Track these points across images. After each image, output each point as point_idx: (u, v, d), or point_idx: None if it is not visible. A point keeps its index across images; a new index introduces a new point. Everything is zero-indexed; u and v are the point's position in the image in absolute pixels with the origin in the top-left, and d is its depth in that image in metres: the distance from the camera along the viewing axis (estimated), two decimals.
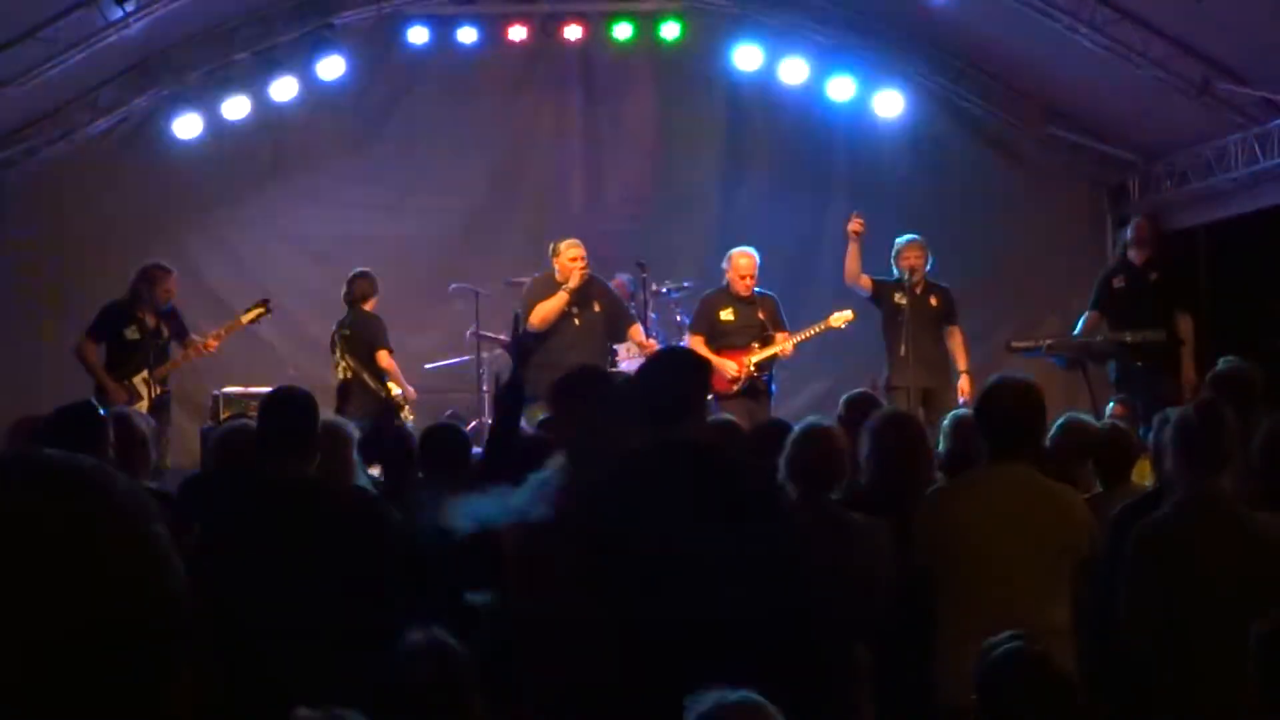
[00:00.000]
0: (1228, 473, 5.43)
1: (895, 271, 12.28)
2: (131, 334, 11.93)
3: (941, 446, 8.21)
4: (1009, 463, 5.75)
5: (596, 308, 12.13)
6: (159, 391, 11.94)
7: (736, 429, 7.97)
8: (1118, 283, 12.80)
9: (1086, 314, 12.81)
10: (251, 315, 12.40)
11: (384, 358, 12.38)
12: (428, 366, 13.49)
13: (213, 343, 12.14)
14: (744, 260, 12.27)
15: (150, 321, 12.03)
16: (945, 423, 8.33)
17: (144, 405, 11.52)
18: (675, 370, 5.55)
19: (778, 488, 5.75)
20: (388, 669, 4.30)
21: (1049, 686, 4.01)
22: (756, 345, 12.20)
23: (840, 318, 12.45)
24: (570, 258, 12.00)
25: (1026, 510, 5.66)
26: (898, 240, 12.37)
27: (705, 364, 6.04)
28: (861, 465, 6.53)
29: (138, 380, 11.86)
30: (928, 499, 5.91)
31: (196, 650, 1.64)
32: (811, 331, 12.46)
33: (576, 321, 11.99)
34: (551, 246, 12.19)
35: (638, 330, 12.33)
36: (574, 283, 11.90)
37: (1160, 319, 12.32)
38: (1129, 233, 13.09)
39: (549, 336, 11.85)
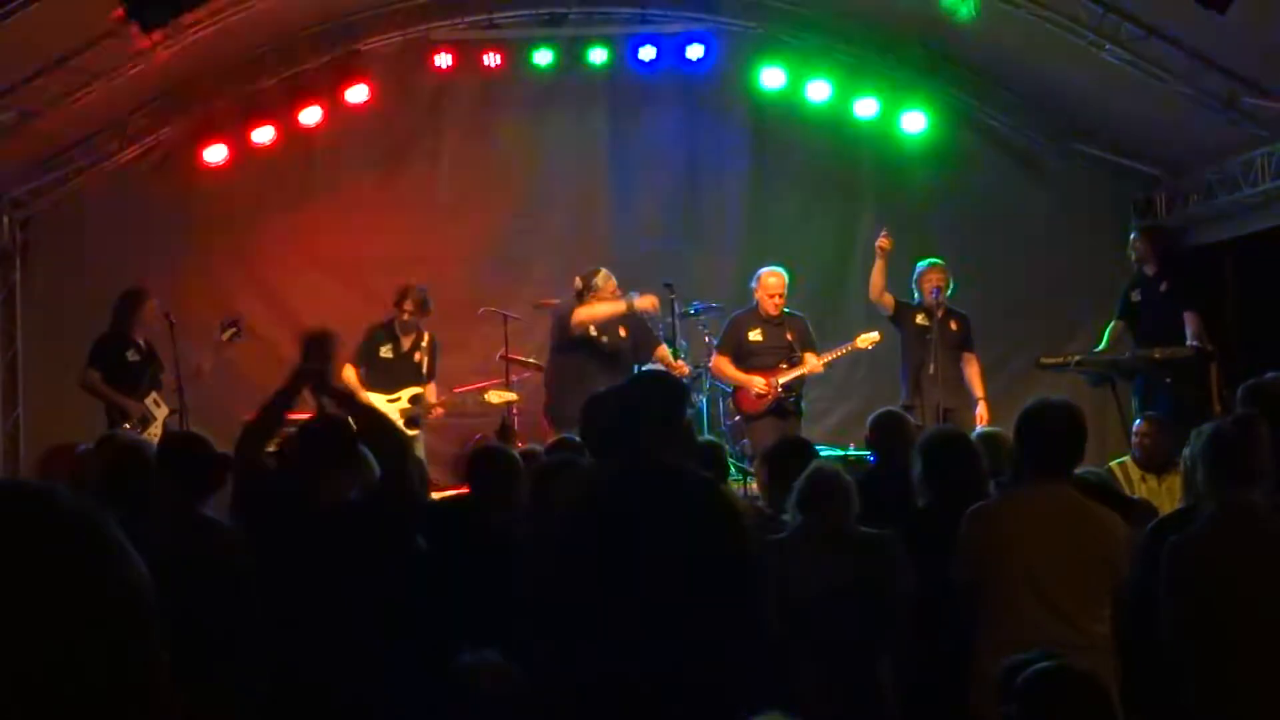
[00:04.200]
0: (1261, 486, 5.43)
1: (917, 295, 12.32)
2: (132, 356, 12.02)
3: None
4: (1052, 482, 5.76)
5: (623, 333, 12.18)
6: (169, 412, 12.01)
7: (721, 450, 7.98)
8: (1135, 296, 12.83)
9: (1112, 323, 12.81)
10: (227, 335, 12.44)
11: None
12: (456, 390, 13.50)
13: (206, 367, 12.20)
14: (772, 280, 12.32)
15: (143, 344, 12.13)
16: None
17: (158, 428, 11.62)
18: (647, 395, 5.51)
19: (736, 511, 5.69)
20: (444, 688, 4.34)
21: (1089, 703, 4.01)
22: (784, 365, 12.23)
23: (867, 339, 12.49)
24: (611, 290, 12.10)
25: (1069, 529, 5.68)
26: (919, 265, 12.41)
27: (678, 388, 5.97)
28: (916, 486, 6.58)
29: (149, 401, 11.93)
30: (971, 516, 5.94)
31: (165, 658, 1.71)
32: (839, 353, 12.51)
33: (605, 341, 12.04)
34: (587, 281, 12.20)
35: (664, 351, 12.37)
36: (642, 304, 12.02)
37: (1171, 330, 12.30)
38: (1131, 251, 13.08)
39: (576, 358, 11.92)
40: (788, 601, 5.81)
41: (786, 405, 12.24)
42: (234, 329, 12.42)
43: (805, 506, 6.11)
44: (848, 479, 6.23)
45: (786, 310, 12.43)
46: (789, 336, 12.31)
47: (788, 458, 6.91)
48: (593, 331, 12.06)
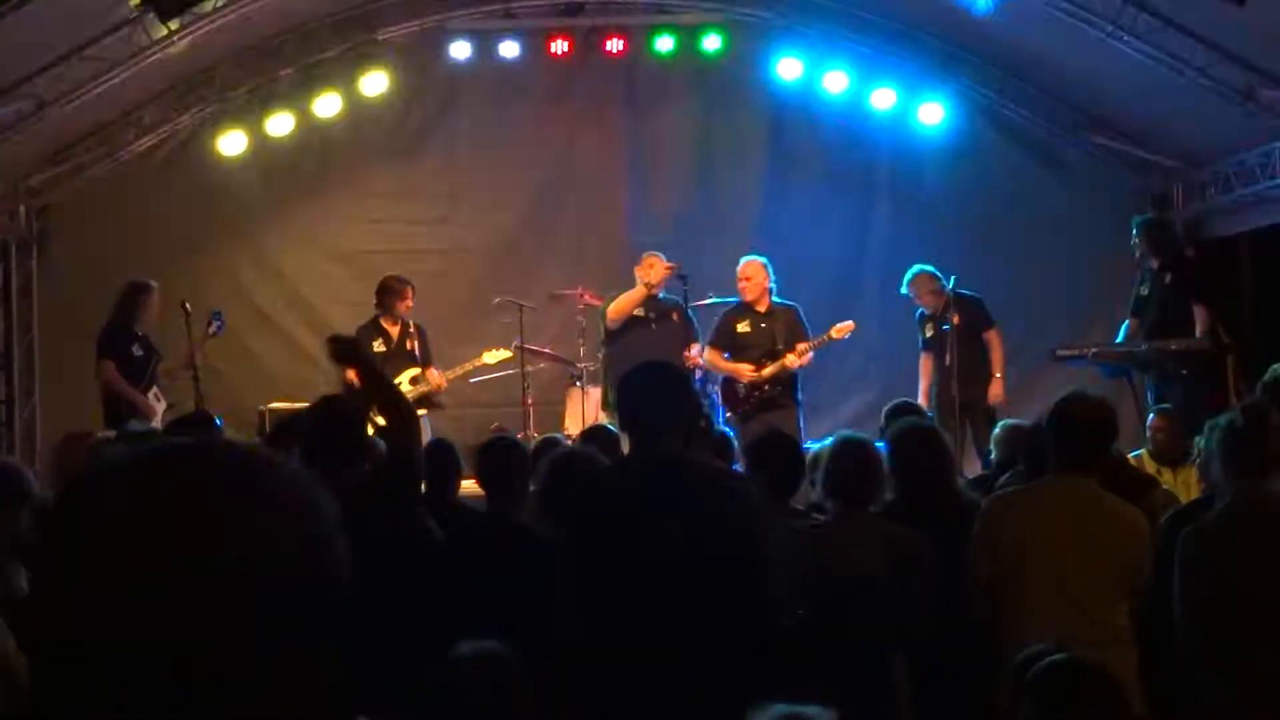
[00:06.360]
0: (1275, 476, 5.40)
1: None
2: (137, 351, 12.09)
3: (993, 454, 8.23)
4: (1076, 476, 5.73)
5: (674, 317, 12.29)
6: (167, 406, 12.05)
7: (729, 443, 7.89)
8: (1143, 290, 12.74)
9: (1128, 320, 12.77)
10: (212, 329, 12.43)
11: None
12: (472, 380, 13.50)
13: (199, 357, 12.22)
14: (744, 268, 12.41)
15: (145, 338, 12.18)
16: (996, 430, 8.39)
17: (158, 422, 11.64)
18: (645, 386, 5.42)
19: (753, 504, 5.58)
20: (442, 678, 4.33)
21: (1101, 695, 3.99)
22: (766, 360, 12.19)
23: (841, 328, 12.43)
24: (648, 264, 12.52)
25: (1091, 524, 5.64)
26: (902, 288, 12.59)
27: (682, 378, 5.85)
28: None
29: (150, 396, 11.97)
30: (991, 508, 5.91)
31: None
32: (815, 343, 12.37)
33: (654, 327, 12.16)
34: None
35: (693, 348, 12.43)
36: (655, 278, 12.40)
37: (1179, 322, 12.21)
38: (1134, 247, 13.03)
39: (622, 344, 12.11)
40: (814, 591, 5.74)
41: (776, 399, 12.21)
42: (218, 322, 12.44)
43: (848, 497, 6.03)
44: (885, 472, 6.16)
45: (778, 301, 12.41)
46: (776, 328, 12.29)
47: (767, 450, 6.76)
48: (639, 313, 12.19)
